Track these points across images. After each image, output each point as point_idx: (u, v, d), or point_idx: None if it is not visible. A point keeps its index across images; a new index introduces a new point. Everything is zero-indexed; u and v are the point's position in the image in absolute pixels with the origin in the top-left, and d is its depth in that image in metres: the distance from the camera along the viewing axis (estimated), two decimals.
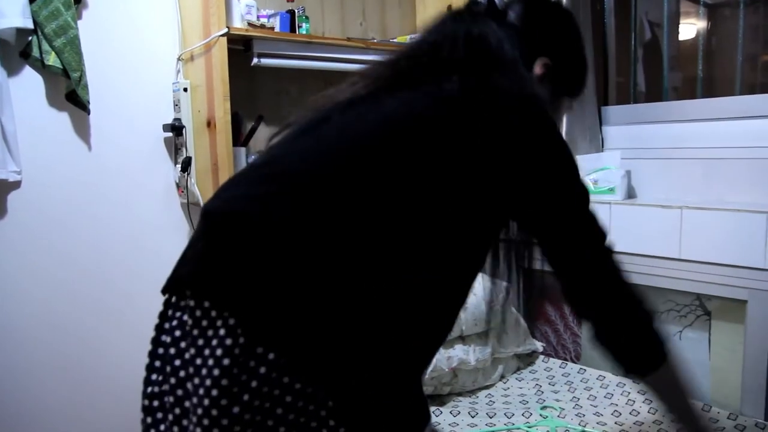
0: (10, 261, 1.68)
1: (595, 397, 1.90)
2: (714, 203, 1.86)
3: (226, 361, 0.75)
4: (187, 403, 0.81)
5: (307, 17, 2.01)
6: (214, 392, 0.75)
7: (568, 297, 0.98)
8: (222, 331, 0.76)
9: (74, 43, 1.63)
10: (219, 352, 0.76)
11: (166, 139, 1.95)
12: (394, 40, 2.34)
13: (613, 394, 1.90)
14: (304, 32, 2.00)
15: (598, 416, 1.78)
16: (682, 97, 2.20)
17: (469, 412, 1.82)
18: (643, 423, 1.74)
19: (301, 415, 0.78)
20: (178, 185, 1.96)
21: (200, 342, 0.78)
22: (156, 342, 0.86)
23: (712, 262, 1.79)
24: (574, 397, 1.91)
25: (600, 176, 2.08)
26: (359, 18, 2.38)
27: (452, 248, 0.87)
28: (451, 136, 0.84)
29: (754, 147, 1.84)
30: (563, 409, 1.84)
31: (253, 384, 0.76)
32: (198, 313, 0.79)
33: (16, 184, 1.67)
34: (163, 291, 0.87)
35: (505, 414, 1.80)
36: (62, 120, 1.75)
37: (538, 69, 1.02)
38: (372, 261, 0.80)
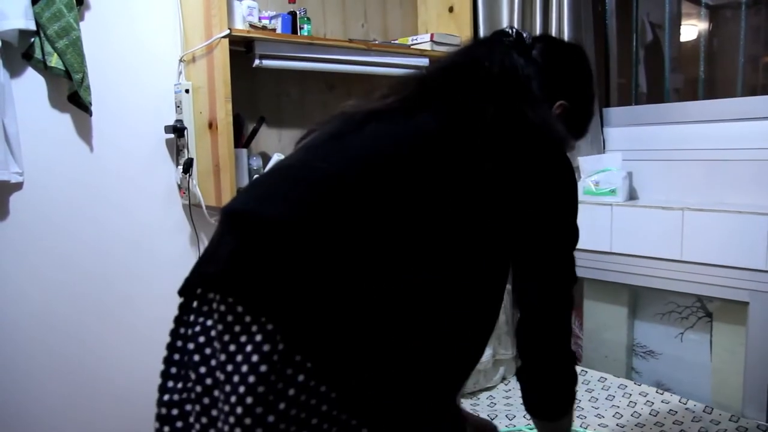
0: (11, 262, 1.68)
1: (597, 399, 1.90)
2: (715, 205, 1.86)
3: (263, 368, 0.73)
4: (214, 412, 0.78)
5: (308, 19, 2.02)
6: (249, 400, 0.73)
7: (521, 326, 1.00)
8: (258, 337, 0.74)
9: (76, 45, 1.64)
10: (255, 358, 0.74)
11: (167, 141, 1.95)
12: (396, 42, 2.35)
13: (614, 396, 1.90)
14: (306, 34, 2.00)
15: (600, 418, 1.78)
16: (683, 98, 2.20)
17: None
18: (644, 425, 1.74)
19: (334, 424, 0.77)
20: (179, 186, 1.96)
21: (232, 348, 0.76)
22: (173, 348, 0.84)
23: (714, 264, 1.79)
24: (575, 398, 1.91)
25: (601, 178, 2.08)
26: (361, 20, 2.38)
27: (475, 262, 0.88)
28: (476, 159, 0.86)
29: (756, 149, 1.84)
30: None
31: (291, 392, 0.74)
32: (230, 318, 0.77)
33: (18, 186, 1.67)
34: (182, 293, 0.84)
35: (506, 416, 1.80)
36: (64, 121, 1.75)
37: (555, 110, 1.06)
38: (400, 270, 0.80)
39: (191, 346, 0.81)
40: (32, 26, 1.58)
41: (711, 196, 1.94)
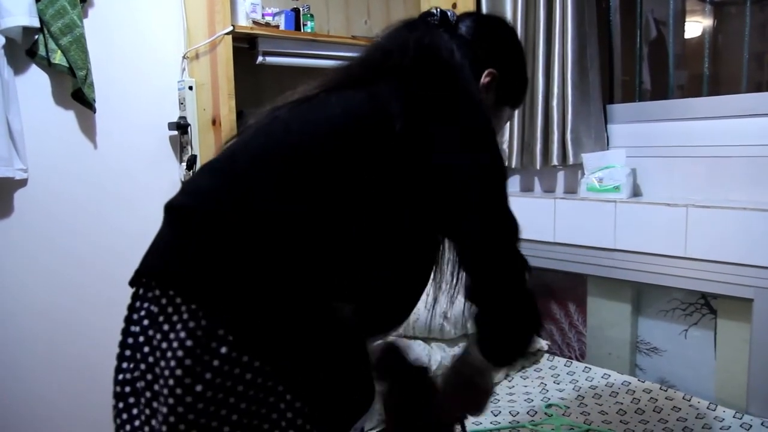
0: (16, 258, 1.69)
1: (600, 396, 1.90)
2: (719, 201, 1.85)
3: (189, 343, 0.81)
4: (156, 386, 0.86)
5: (311, 15, 2.02)
6: (179, 372, 0.81)
7: (472, 287, 1.00)
8: (185, 316, 0.83)
9: (80, 42, 1.64)
10: (183, 334, 0.82)
11: (171, 137, 1.96)
12: None
13: (618, 393, 1.90)
14: (309, 30, 2.00)
15: (604, 414, 1.78)
16: (687, 95, 2.19)
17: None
18: (648, 422, 1.74)
19: (260, 391, 0.84)
20: (182, 183, 1.96)
21: (166, 327, 0.84)
22: (126, 332, 0.92)
23: (718, 261, 1.79)
24: (578, 395, 1.91)
25: (605, 174, 2.08)
26: (364, 16, 2.38)
27: (389, 238, 0.94)
28: (382, 135, 0.91)
29: (760, 145, 1.84)
30: (568, 407, 1.83)
31: (215, 363, 0.81)
32: (164, 301, 0.85)
33: (23, 182, 1.67)
34: (131, 284, 0.94)
35: (509, 412, 1.80)
36: (68, 118, 1.76)
37: (484, 79, 1.09)
38: (313, 249, 0.87)
39: (137, 328, 0.89)
40: (36, 23, 1.58)
41: (715, 193, 1.93)
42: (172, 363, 0.82)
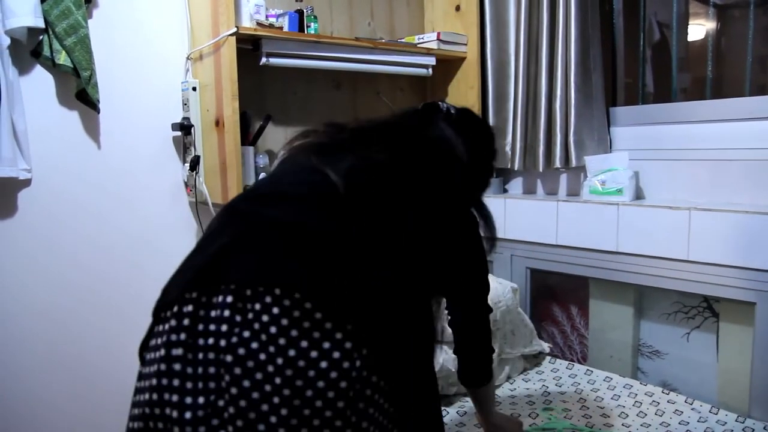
0: (18, 258, 1.69)
1: (602, 399, 1.90)
2: (722, 205, 1.85)
3: (346, 364, 0.77)
4: (252, 415, 0.75)
5: (315, 17, 2.02)
6: (331, 394, 0.75)
7: (456, 323, 1.35)
8: (338, 335, 0.78)
9: (84, 42, 1.64)
10: (337, 354, 0.77)
11: (174, 138, 1.96)
12: (402, 40, 2.35)
13: (620, 396, 1.90)
14: (313, 32, 2.00)
15: (605, 417, 1.78)
16: (690, 98, 2.19)
17: (475, 413, 1.81)
18: (650, 425, 1.73)
19: (385, 417, 0.85)
20: (186, 184, 1.96)
21: (303, 344, 0.76)
22: (186, 360, 0.79)
23: (721, 264, 1.79)
24: (581, 398, 1.91)
25: (608, 177, 2.08)
26: (367, 18, 2.38)
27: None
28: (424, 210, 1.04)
29: (764, 148, 1.84)
30: (569, 410, 1.83)
31: (357, 386, 0.79)
32: (297, 313, 0.77)
33: (26, 182, 1.68)
34: (200, 290, 0.82)
35: (511, 414, 1.80)
36: (72, 118, 1.76)
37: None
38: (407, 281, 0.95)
39: (229, 358, 0.77)
40: (41, 24, 1.59)
41: (718, 196, 1.93)
42: (320, 384, 0.75)
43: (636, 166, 2.08)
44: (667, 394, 1.89)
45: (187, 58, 1.95)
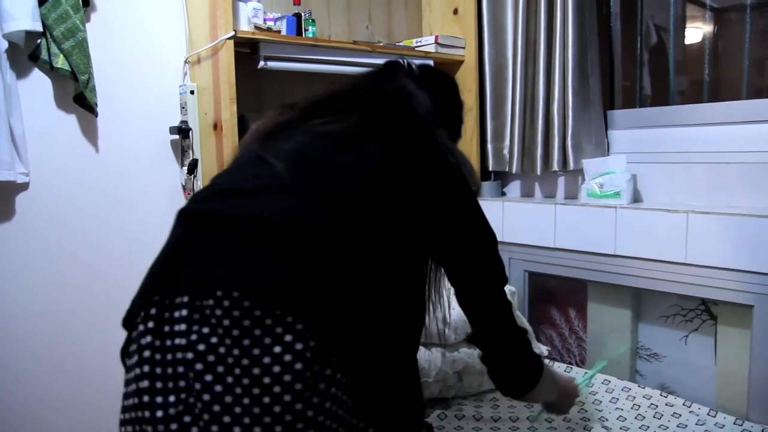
0: (16, 262, 1.69)
1: (600, 402, 1.89)
2: (720, 207, 1.85)
3: (298, 366, 0.77)
4: (227, 419, 0.77)
5: (313, 20, 2.02)
6: (288, 397, 0.76)
7: (471, 323, 1.17)
8: (288, 338, 0.78)
9: (82, 46, 1.64)
10: (288, 357, 0.77)
11: (172, 142, 1.96)
12: (400, 44, 2.35)
13: (618, 399, 1.90)
14: (311, 35, 2.00)
15: (603, 420, 1.78)
16: (688, 101, 2.19)
17: (474, 416, 1.81)
18: (648, 428, 1.73)
19: (345, 411, 0.84)
20: (184, 187, 1.96)
21: (255, 351, 0.77)
22: (154, 362, 0.81)
23: (719, 267, 1.79)
24: (578, 401, 1.90)
25: (605, 180, 2.08)
26: (365, 21, 2.39)
27: (417, 268, 1.06)
28: (398, 180, 1.00)
29: (761, 151, 1.84)
30: (568, 413, 1.83)
31: (321, 386, 0.79)
32: (246, 323, 0.78)
33: (24, 186, 1.68)
34: (149, 303, 0.84)
35: (510, 418, 1.80)
36: (70, 122, 1.76)
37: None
38: (366, 268, 0.90)
39: (189, 355, 0.79)
40: (39, 27, 1.59)
41: (716, 199, 1.94)
42: (278, 389, 0.76)
43: (634, 169, 2.08)
44: (666, 396, 1.89)
45: (185, 62, 1.95)
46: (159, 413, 0.79)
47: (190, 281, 0.83)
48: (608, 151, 2.22)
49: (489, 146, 2.39)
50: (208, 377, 0.78)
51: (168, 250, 0.92)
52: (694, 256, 1.83)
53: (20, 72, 1.65)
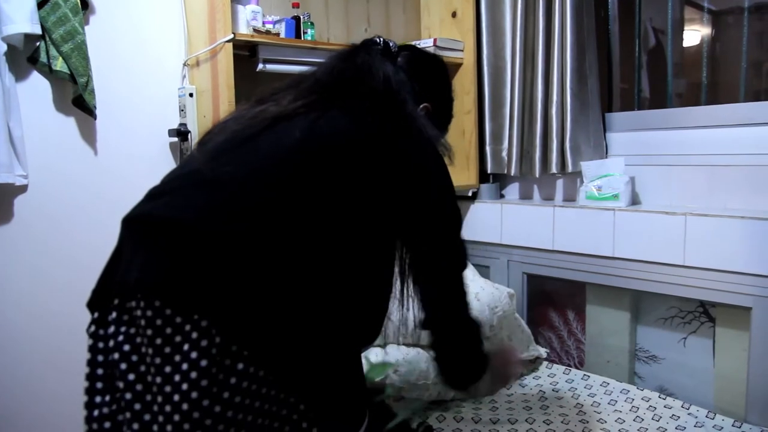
0: (15, 264, 1.69)
1: (599, 404, 1.90)
2: (718, 210, 1.86)
3: (203, 362, 0.78)
4: (147, 416, 0.81)
5: (312, 23, 2.02)
6: (194, 394, 0.78)
7: (423, 306, 1.07)
8: (194, 335, 0.79)
9: (81, 49, 1.65)
10: (194, 354, 0.78)
11: (171, 144, 1.96)
12: None
13: (617, 401, 1.90)
14: (309, 38, 2.01)
15: (602, 423, 1.78)
16: (686, 103, 2.20)
17: (472, 418, 1.81)
18: (647, 430, 1.73)
19: (273, 404, 0.84)
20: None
21: (167, 349, 0.80)
22: (95, 363, 0.86)
23: (717, 269, 1.79)
24: (578, 403, 1.91)
25: (604, 183, 2.08)
26: (364, 24, 2.39)
27: (365, 251, 0.98)
28: (364, 157, 0.95)
29: (759, 154, 1.84)
30: (566, 415, 1.83)
31: (232, 381, 0.79)
32: (159, 321, 0.81)
33: (23, 188, 1.68)
34: (95, 306, 0.89)
35: (508, 420, 1.80)
36: (69, 125, 1.76)
37: (421, 111, 1.16)
38: (302, 260, 0.88)
39: (116, 356, 0.83)
40: (38, 30, 1.59)
41: (714, 201, 1.94)
42: (185, 386, 0.78)
43: (632, 171, 2.09)
44: (664, 399, 1.89)
45: (184, 65, 1.95)
46: (95, 412, 0.84)
47: (117, 285, 0.88)
48: (606, 153, 2.22)
49: (487, 148, 2.40)
50: (131, 376, 0.82)
51: (110, 257, 0.98)
52: (692, 259, 1.84)
53: (19, 75, 1.65)
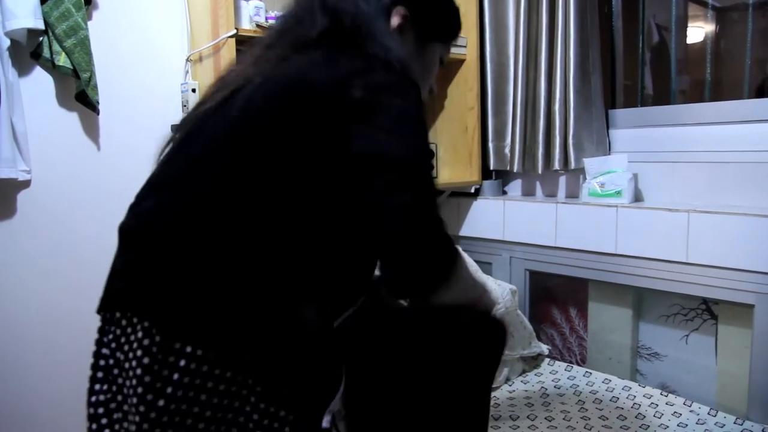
0: (18, 259, 1.69)
1: (601, 401, 1.90)
2: (721, 207, 1.85)
3: (146, 360, 0.83)
4: (125, 407, 0.89)
5: None
6: (140, 389, 0.83)
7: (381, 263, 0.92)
8: (140, 334, 0.85)
9: (84, 44, 1.65)
10: (139, 352, 0.84)
11: None
12: None
13: (618, 398, 1.90)
14: None
15: (604, 420, 1.78)
16: (689, 100, 2.19)
17: None
18: (648, 427, 1.73)
19: (224, 397, 0.85)
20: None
21: (126, 347, 0.87)
22: (97, 355, 0.94)
23: (719, 266, 1.79)
24: (579, 400, 1.91)
25: (607, 179, 2.08)
26: None
27: (324, 220, 0.91)
28: (301, 125, 0.88)
29: (762, 151, 1.84)
30: (568, 412, 1.83)
31: (175, 377, 0.82)
32: (124, 322, 0.88)
33: (26, 183, 1.68)
34: (98, 311, 0.96)
35: (510, 416, 1.81)
36: (72, 120, 1.76)
37: (395, 20, 1.03)
38: (257, 241, 0.87)
39: (107, 351, 0.92)
40: (41, 25, 1.59)
41: (717, 199, 1.93)
42: (134, 381, 0.84)
43: (635, 168, 2.08)
44: (666, 396, 1.89)
45: (187, 60, 1.95)
46: (93, 398, 0.92)
47: (105, 292, 0.95)
48: (609, 150, 2.22)
49: (490, 145, 2.39)
50: (103, 374, 0.92)
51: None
52: (695, 256, 1.83)
53: (22, 70, 1.65)
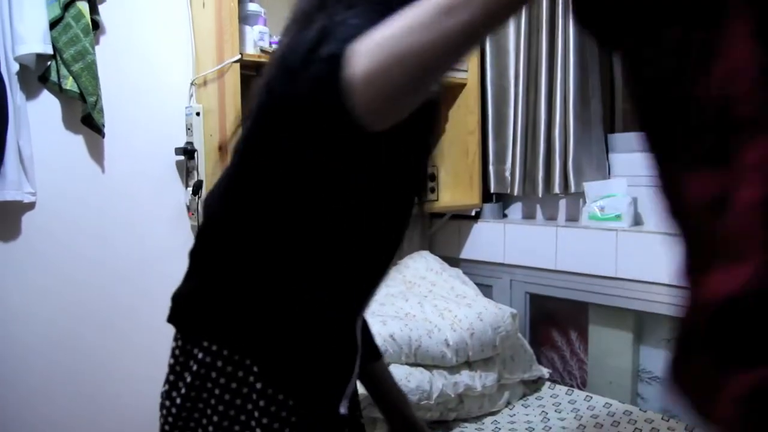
0: (22, 280, 1.70)
1: (602, 425, 1.89)
2: None
3: (170, 360, 0.92)
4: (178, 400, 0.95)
5: None
6: (166, 386, 0.93)
7: None
8: (173, 343, 0.93)
9: (91, 68, 1.67)
10: (171, 354, 0.93)
11: (177, 163, 1.98)
12: None
13: (619, 422, 1.89)
14: None
15: None
16: None
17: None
18: None
19: (231, 380, 0.86)
20: (188, 208, 1.98)
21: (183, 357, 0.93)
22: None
23: None
24: (580, 424, 1.90)
25: (607, 203, 2.09)
26: None
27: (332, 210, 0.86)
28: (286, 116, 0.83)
29: None
30: None
31: (194, 367, 0.87)
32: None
33: (31, 205, 1.70)
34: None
35: None
36: (77, 143, 1.78)
37: None
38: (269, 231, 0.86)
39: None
40: (49, 50, 1.62)
41: None
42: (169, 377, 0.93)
43: (634, 192, 2.09)
44: (667, 420, 1.88)
45: (192, 84, 1.98)
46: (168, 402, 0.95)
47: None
48: (609, 174, 2.23)
49: (491, 168, 2.41)
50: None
51: None
52: None
53: (30, 93, 1.68)
